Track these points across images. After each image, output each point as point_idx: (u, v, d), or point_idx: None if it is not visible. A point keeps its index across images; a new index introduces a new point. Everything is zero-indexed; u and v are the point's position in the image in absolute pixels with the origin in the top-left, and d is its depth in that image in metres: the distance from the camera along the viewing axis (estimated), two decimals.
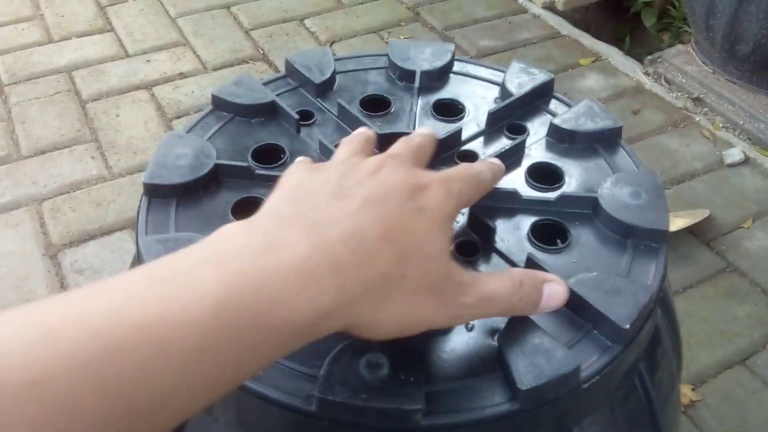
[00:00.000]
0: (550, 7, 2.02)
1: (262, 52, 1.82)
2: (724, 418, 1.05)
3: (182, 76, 1.73)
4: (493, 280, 0.45)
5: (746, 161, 1.47)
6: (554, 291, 0.48)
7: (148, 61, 1.78)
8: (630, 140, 1.53)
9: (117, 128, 1.57)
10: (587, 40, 1.87)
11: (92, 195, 1.42)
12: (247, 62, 1.79)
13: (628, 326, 0.47)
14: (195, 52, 1.81)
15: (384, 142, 0.64)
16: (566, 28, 1.92)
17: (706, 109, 1.61)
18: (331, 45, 1.84)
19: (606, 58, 1.80)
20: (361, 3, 2.02)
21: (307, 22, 1.94)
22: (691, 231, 1.31)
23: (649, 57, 1.75)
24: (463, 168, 0.50)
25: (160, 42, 1.85)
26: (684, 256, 1.28)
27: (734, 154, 1.47)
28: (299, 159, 0.50)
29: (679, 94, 1.66)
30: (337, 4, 2.01)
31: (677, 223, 1.28)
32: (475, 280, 0.44)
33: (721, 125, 1.56)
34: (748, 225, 1.33)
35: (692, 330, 1.16)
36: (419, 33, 1.90)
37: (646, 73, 1.72)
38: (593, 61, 1.78)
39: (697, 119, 1.59)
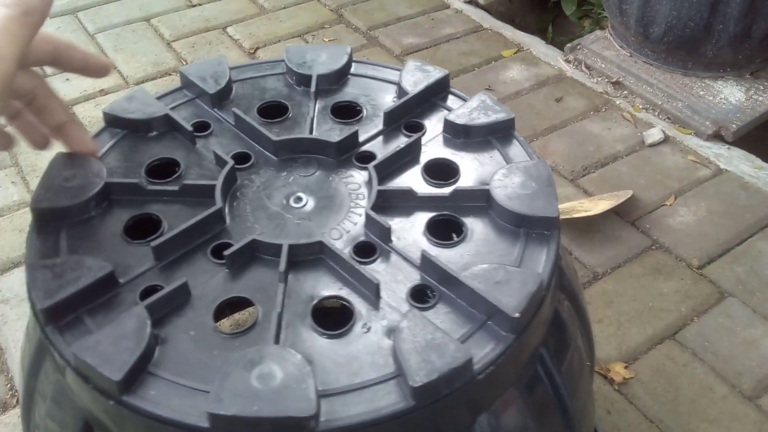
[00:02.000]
0: (472, 2, 2.04)
1: (185, 63, 1.80)
2: (657, 393, 1.07)
3: (103, 92, 1.69)
4: None
5: (666, 140, 1.50)
6: None
7: (67, 79, 1.73)
8: (554, 127, 1.55)
9: (38, 151, 1.53)
10: (509, 32, 1.89)
11: (15, 221, 1.38)
12: (170, 74, 1.76)
13: (518, 315, 0.48)
14: (116, 68, 1.78)
15: (281, 147, 0.64)
16: (488, 22, 1.94)
17: (625, 92, 1.65)
18: (255, 51, 1.83)
19: (528, 48, 1.82)
20: (284, 8, 2.01)
21: (229, 30, 1.92)
22: (615, 212, 1.33)
23: (569, 45, 1.77)
24: None
25: None
26: (610, 237, 1.30)
27: (654, 134, 1.50)
28: None
29: (599, 79, 1.69)
30: (260, 10, 2.00)
31: (601, 205, 1.30)
32: None
33: (640, 107, 1.60)
34: (670, 202, 1.37)
35: (622, 309, 1.19)
36: (343, 34, 1.90)
37: (567, 61, 1.75)
38: (515, 53, 1.81)
39: (618, 102, 1.62)
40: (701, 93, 1.59)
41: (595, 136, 1.53)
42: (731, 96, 1.58)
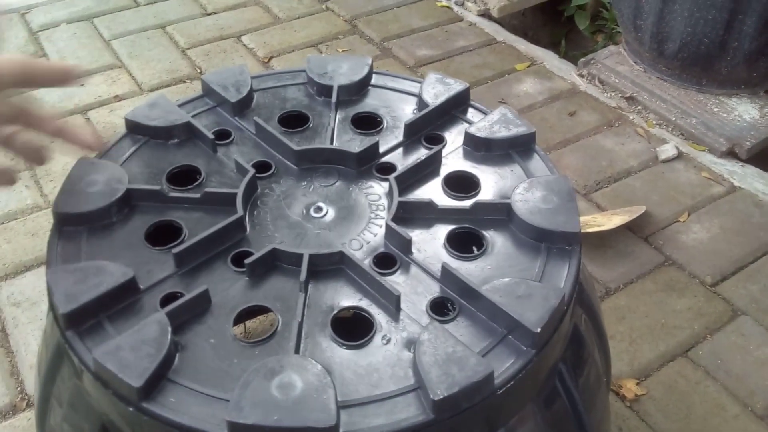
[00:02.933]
0: (486, 15, 2.04)
1: (199, 70, 1.81)
2: (669, 410, 1.07)
3: (118, 98, 1.70)
4: None
5: (680, 156, 1.50)
6: None
7: (82, 85, 1.74)
8: (567, 141, 1.55)
9: (52, 155, 1.54)
10: (523, 45, 1.90)
11: (28, 225, 1.38)
12: (184, 81, 1.77)
13: (539, 330, 0.48)
14: (131, 74, 1.79)
15: (302, 157, 0.64)
16: (502, 35, 1.94)
17: (639, 107, 1.64)
18: (269, 60, 1.84)
19: (541, 62, 1.82)
20: (298, 17, 2.02)
21: (244, 38, 1.93)
22: (628, 227, 1.33)
23: (582, 59, 1.78)
24: None
25: (95, 65, 1.82)
26: (623, 252, 1.30)
27: (668, 150, 1.50)
28: None
29: (613, 93, 1.69)
30: (275, 19, 2.01)
31: (614, 220, 1.30)
32: None
33: (654, 122, 1.60)
34: (683, 219, 1.36)
35: (634, 325, 1.18)
36: (357, 45, 1.90)
37: (581, 75, 1.75)
38: (529, 66, 1.81)
39: (631, 118, 1.62)
40: (715, 110, 1.59)
41: (608, 151, 1.53)
42: (745, 113, 1.58)
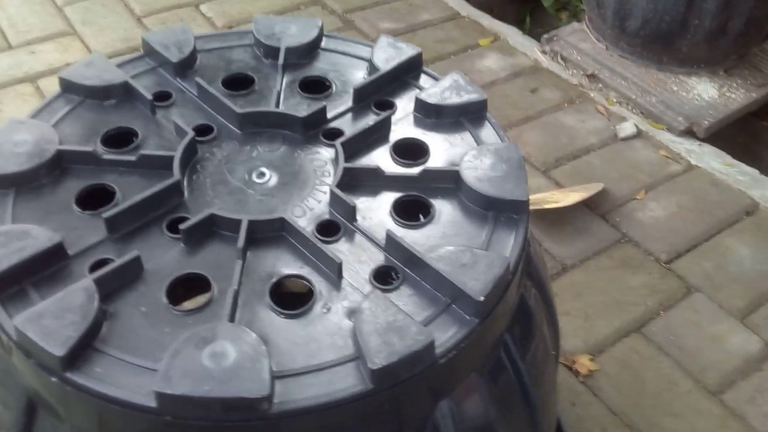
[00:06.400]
0: None
1: None
2: (622, 385, 1.07)
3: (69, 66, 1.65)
4: None
5: (639, 134, 1.51)
6: None
7: (32, 52, 1.69)
8: (528, 118, 1.54)
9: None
10: (487, 20, 1.88)
11: None
12: (139, 50, 1.71)
13: (482, 298, 0.46)
14: (83, 42, 1.73)
15: (245, 120, 0.61)
16: (466, 10, 1.92)
17: (600, 85, 1.64)
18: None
19: (505, 38, 1.81)
20: None
21: (202, 7, 1.88)
22: (586, 204, 1.33)
23: (546, 36, 1.77)
24: None
25: (46, 32, 1.76)
26: (580, 229, 1.30)
27: (627, 128, 1.50)
28: None
29: (575, 71, 1.68)
30: None
31: (572, 197, 1.30)
32: None
33: (614, 100, 1.60)
34: (640, 196, 1.37)
35: (590, 301, 1.18)
36: (319, 16, 1.86)
37: (543, 52, 1.74)
38: (492, 42, 1.79)
39: (592, 95, 1.62)
40: (675, 88, 1.59)
41: (568, 129, 1.52)
42: (704, 92, 1.59)
